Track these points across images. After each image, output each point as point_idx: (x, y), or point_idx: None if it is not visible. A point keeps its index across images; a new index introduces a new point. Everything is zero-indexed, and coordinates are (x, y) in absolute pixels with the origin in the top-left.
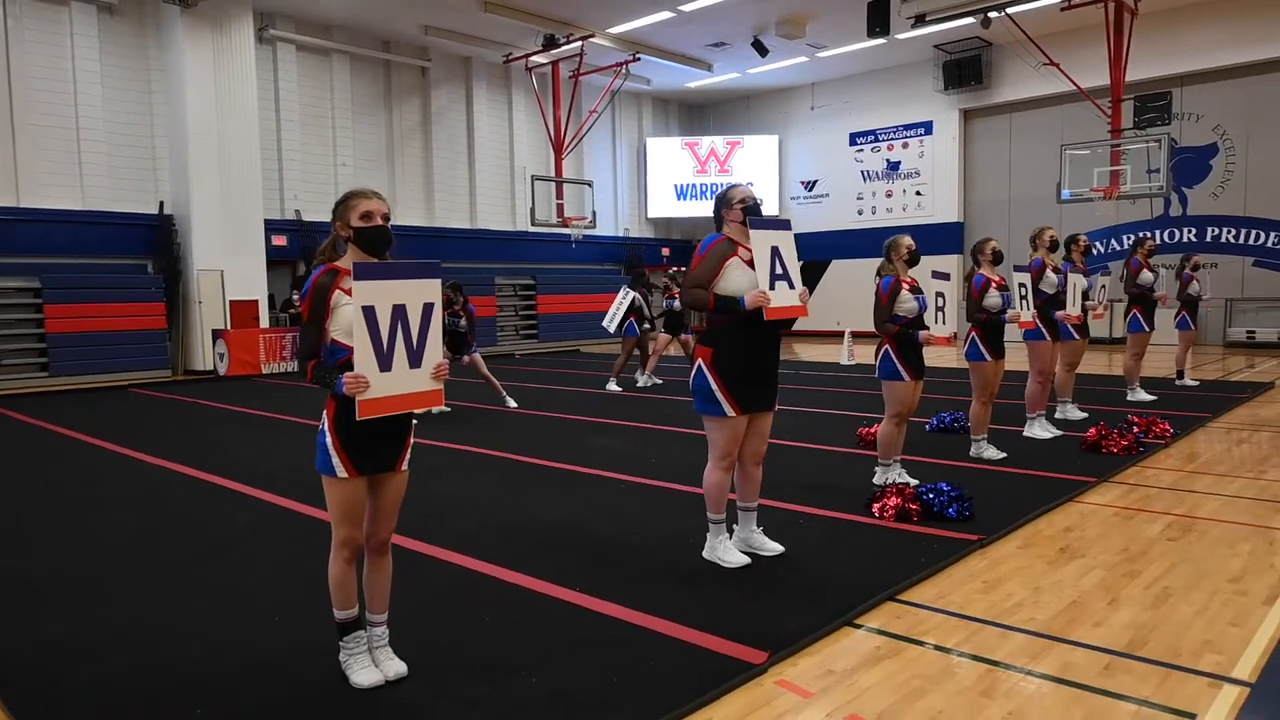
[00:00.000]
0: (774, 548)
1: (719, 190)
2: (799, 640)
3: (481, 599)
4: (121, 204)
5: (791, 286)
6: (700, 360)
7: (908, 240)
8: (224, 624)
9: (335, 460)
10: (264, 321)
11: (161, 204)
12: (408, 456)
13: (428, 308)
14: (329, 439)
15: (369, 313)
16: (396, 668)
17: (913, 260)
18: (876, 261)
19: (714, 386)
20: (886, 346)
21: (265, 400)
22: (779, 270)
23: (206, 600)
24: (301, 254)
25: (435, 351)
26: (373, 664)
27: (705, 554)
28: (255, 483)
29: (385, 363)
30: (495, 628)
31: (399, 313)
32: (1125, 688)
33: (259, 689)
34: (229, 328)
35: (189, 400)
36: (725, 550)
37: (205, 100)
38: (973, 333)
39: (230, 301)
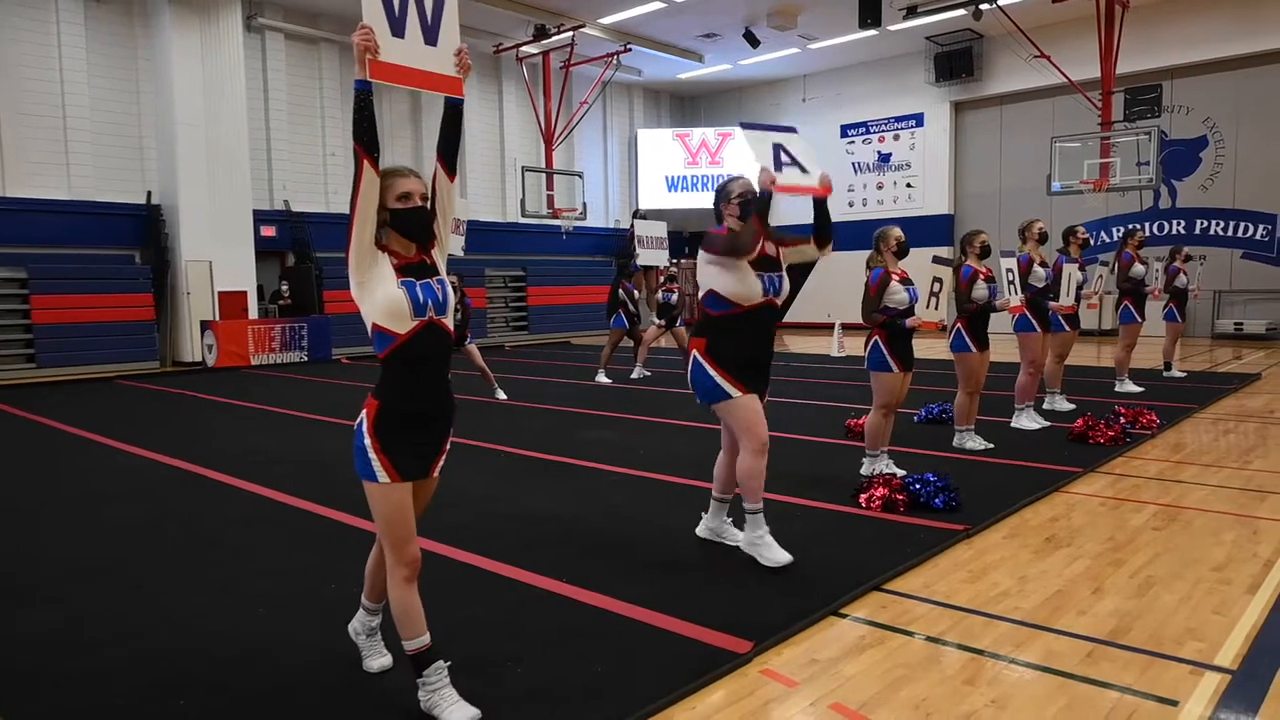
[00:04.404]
0: (738, 538)
1: (719, 182)
2: (784, 630)
3: (470, 591)
4: (109, 194)
5: (805, 172)
6: (695, 351)
7: (897, 231)
8: (211, 616)
9: (376, 464)
10: (253, 313)
11: (149, 194)
12: (441, 463)
13: None
14: (367, 440)
15: None
16: (383, 661)
17: (902, 252)
18: (868, 253)
19: (713, 374)
20: (876, 337)
21: (254, 392)
22: (785, 159)
23: (193, 593)
24: (291, 245)
25: (452, 35)
26: (462, 699)
27: (744, 548)
28: (243, 475)
29: (398, 28)
30: (483, 619)
31: None
32: (1108, 675)
33: (244, 680)
34: (217, 319)
35: (177, 392)
36: (768, 547)
37: (193, 89)
38: (958, 324)
39: (219, 292)
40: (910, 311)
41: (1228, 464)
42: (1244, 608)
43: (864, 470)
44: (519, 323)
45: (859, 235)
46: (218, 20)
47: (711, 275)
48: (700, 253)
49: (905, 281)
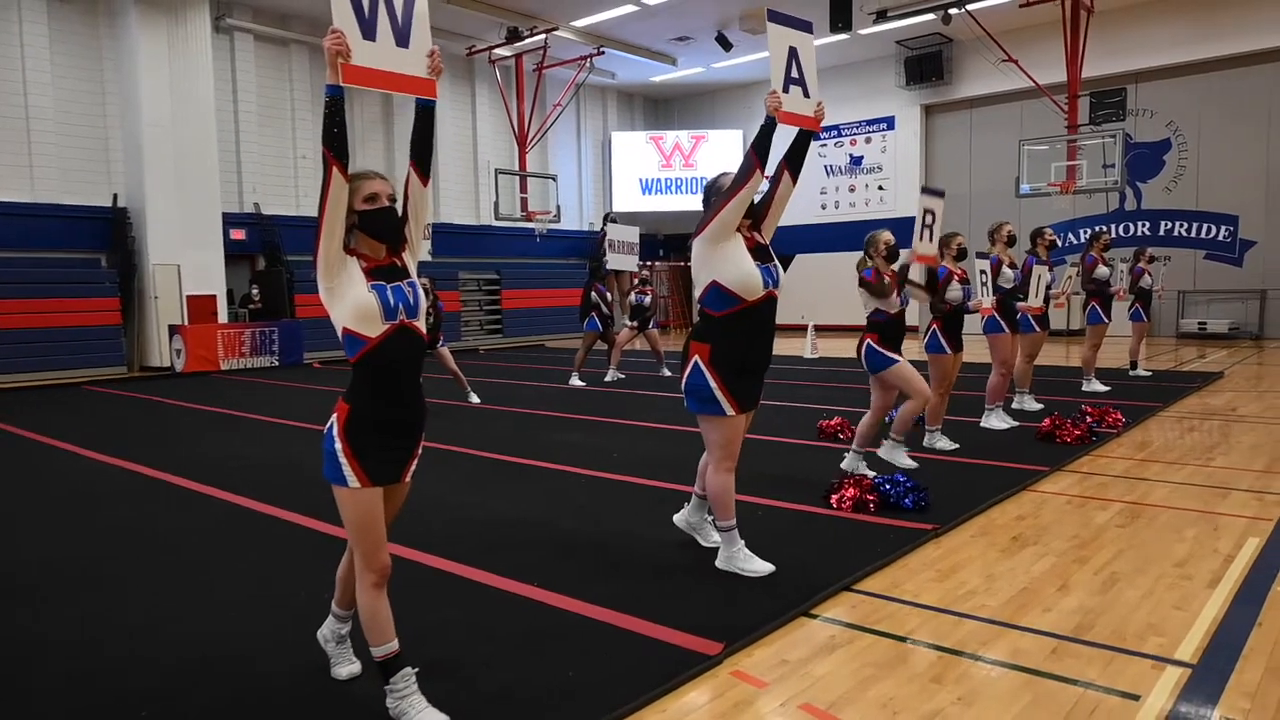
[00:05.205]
0: (717, 541)
1: (700, 183)
2: (754, 631)
3: (441, 595)
4: (73, 196)
5: (806, 96)
6: (696, 357)
7: (886, 235)
8: (178, 624)
9: (346, 468)
10: (222, 317)
11: (115, 196)
12: (413, 467)
13: None
14: (338, 444)
15: None
16: (351, 668)
17: (891, 256)
18: (839, 255)
19: (713, 385)
20: (868, 340)
21: (223, 397)
22: (794, 74)
23: (157, 600)
24: (262, 248)
25: (423, 37)
26: (430, 705)
27: (720, 564)
28: (213, 481)
29: (369, 31)
30: (453, 623)
31: None
32: (1072, 671)
33: (211, 689)
34: (186, 323)
35: (144, 397)
36: (746, 559)
37: (160, 90)
38: (933, 325)
39: (187, 296)
40: (902, 317)
41: (1191, 461)
42: (1204, 602)
43: (845, 465)
44: (493, 326)
45: (832, 238)
46: (185, 21)
47: (710, 265)
48: (695, 244)
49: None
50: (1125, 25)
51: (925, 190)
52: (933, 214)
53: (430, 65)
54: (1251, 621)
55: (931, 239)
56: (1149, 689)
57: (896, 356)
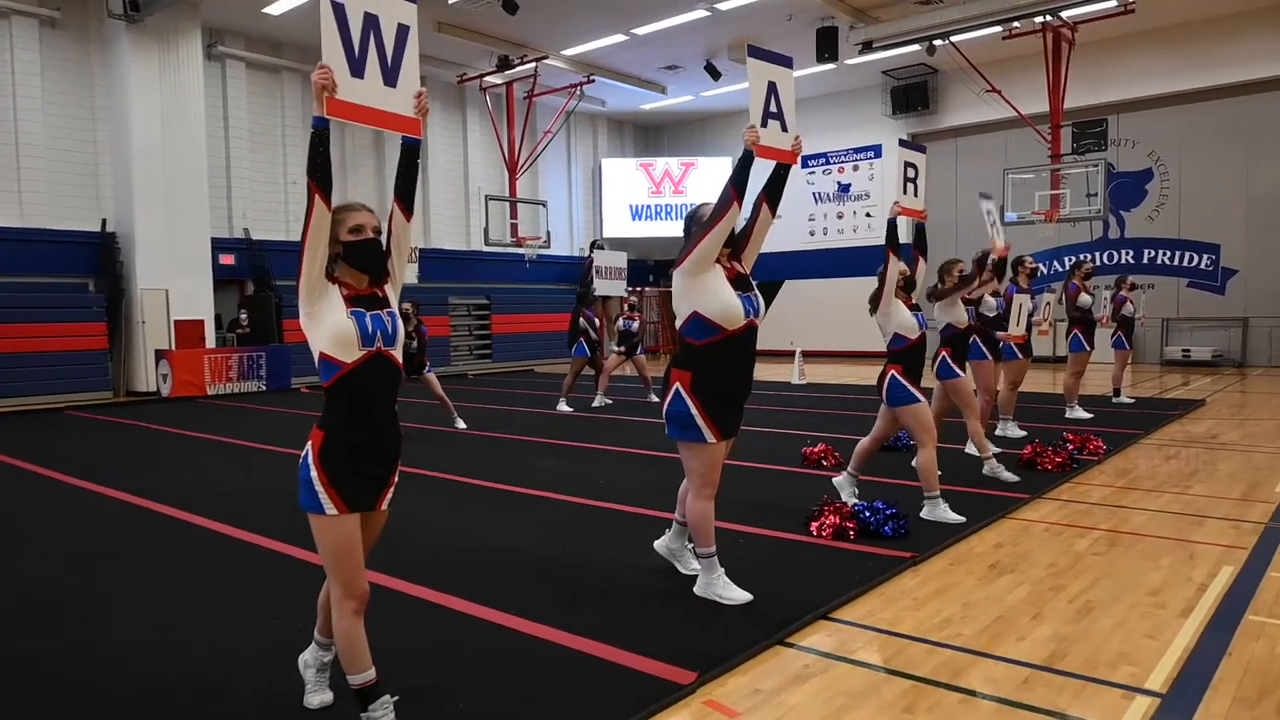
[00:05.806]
0: (696, 569)
1: (690, 209)
2: (729, 660)
3: (417, 622)
4: (62, 221)
5: (784, 130)
6: (678, 384)
7: (901, 266)
8: (151, 653)
9: (322, 495)
10: (210, 342)
11: (104, 221)
12: (390, 495)
13: (402, 29)
14: (313, 473)
15: (338, 10)
16: (323, 697)
17: (908, 287)
18: (827, 282)
19: (694, 412)
20: (893, 372)
21: (208, 423)
22: (773, 109)
23: (134, 629)
24: (251, 273)
25: (412, 78)
26: None
27: (699, 591)
28: (196, 508)
29: (357, 68)
30: (425, 651)
31: (371, 22)
32: (1043, 700)
33: (186, 715)
34: (173, 348)
35: (128, 423)
36: (724, 587)
37: (151, 116)
38: (941, 352)
39: (175, 321)
40: (922, 342)
41: (1169, 489)
42: (1176, 631)
43: (836, 482)
44: (483, 351)
45: (821, 264)
46: (177, 48)
47: (690, 296)
48: (675, 276)
49: (914, 309)
50: (1106, 57)
51: (903, 144)
52: (915, 168)
53: (417, 105)
54: (1222, 651)
55: (916, 193)
56: (1118, 719)
57: (919, 395)
